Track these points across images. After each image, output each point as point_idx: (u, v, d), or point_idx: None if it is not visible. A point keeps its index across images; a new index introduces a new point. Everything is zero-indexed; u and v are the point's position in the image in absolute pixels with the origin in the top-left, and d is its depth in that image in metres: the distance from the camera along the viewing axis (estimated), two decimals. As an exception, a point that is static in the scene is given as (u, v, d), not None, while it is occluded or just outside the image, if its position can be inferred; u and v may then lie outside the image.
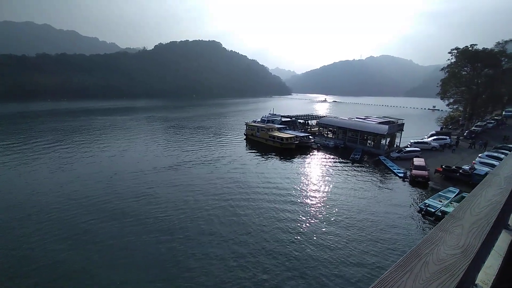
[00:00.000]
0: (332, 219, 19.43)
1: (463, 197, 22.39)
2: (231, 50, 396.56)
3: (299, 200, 22.75)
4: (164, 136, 53.03)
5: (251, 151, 41.04)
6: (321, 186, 26.38)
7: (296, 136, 42.55)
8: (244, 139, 49.66)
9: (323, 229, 17.97)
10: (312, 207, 21.49)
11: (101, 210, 20.01)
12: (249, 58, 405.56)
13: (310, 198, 23.39)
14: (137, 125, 66.20)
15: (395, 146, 42.03)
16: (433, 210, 19.81)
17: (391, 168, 31.73)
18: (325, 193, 24.59)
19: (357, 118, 51.87)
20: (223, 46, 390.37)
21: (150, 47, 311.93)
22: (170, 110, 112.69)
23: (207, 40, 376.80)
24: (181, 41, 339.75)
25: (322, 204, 22.19)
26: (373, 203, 22.36)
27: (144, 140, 47.00)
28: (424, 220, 19.44)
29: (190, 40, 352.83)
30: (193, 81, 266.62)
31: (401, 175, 28.90)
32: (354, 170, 31.60)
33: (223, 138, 50.71)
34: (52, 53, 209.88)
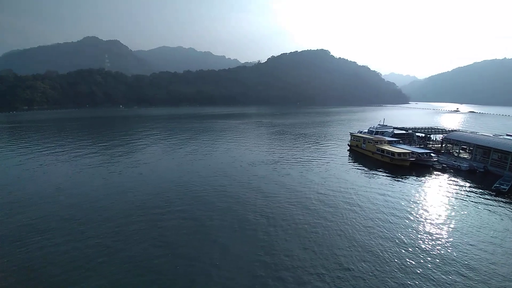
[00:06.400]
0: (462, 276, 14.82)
1: None
2: (339, 57, 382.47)
3: (408, 234, 18.33)
4: (268, 140, 58.23)
5: (354, 163, 38.76)
6: (443, 222, 20.48)
7: (412, 152, 36.78)
8: (348, 150, 47.37)
9: None
10: (428, 250, 16.39)
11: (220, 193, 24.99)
12: (359, 64, 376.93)
13: (425, 235, 18.28)
14: (247, 129, 75.82)
15: None
16: None
17: None
18: (448, 233, 18.72)
19: (508, 135, 39.60)
20: (331, 53, 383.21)
21: (263, 60, 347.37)
22: (276, 117, 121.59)
23: (316, 49, 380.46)
24: (290, 52, 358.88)
25: (443, 249, 16.62)
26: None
27: (252, 141, 53.54)
28: None
29: (299, 50, 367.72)
30: (299, 89, 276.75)
31: None
32: (501, 205, 23.93)
33: (324, 147, 50.22)
34: (193, 69, 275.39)
